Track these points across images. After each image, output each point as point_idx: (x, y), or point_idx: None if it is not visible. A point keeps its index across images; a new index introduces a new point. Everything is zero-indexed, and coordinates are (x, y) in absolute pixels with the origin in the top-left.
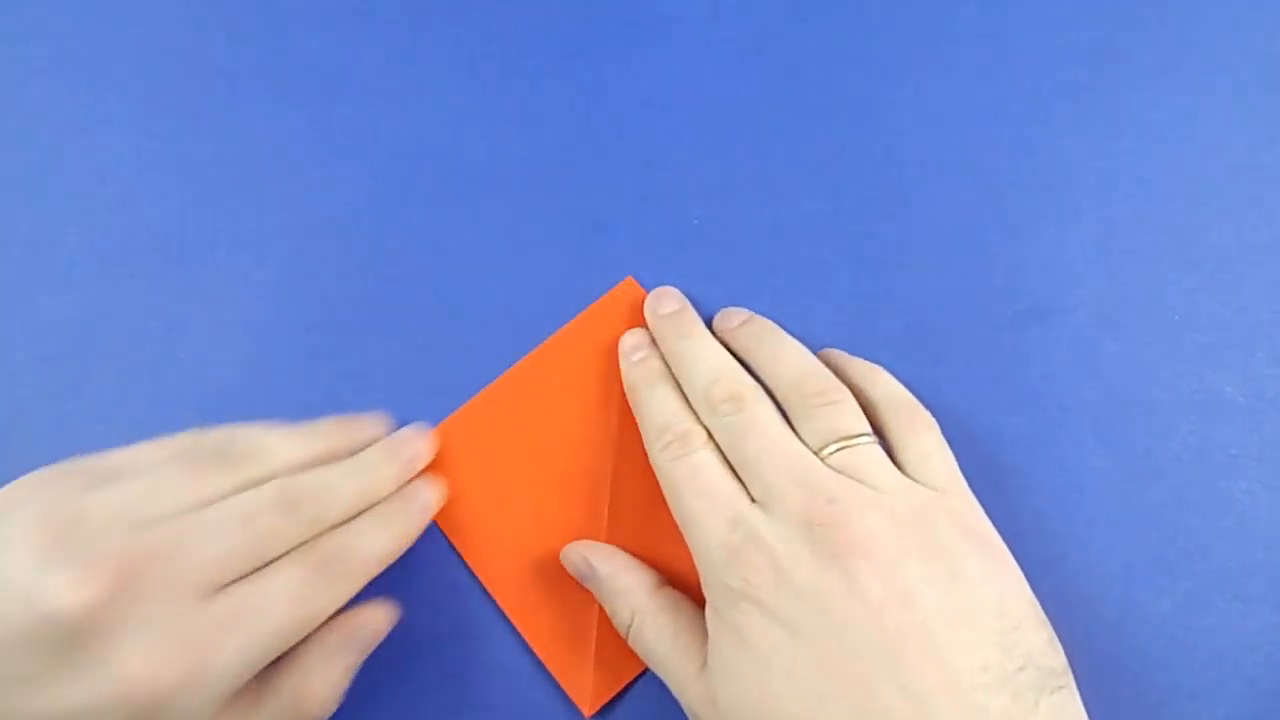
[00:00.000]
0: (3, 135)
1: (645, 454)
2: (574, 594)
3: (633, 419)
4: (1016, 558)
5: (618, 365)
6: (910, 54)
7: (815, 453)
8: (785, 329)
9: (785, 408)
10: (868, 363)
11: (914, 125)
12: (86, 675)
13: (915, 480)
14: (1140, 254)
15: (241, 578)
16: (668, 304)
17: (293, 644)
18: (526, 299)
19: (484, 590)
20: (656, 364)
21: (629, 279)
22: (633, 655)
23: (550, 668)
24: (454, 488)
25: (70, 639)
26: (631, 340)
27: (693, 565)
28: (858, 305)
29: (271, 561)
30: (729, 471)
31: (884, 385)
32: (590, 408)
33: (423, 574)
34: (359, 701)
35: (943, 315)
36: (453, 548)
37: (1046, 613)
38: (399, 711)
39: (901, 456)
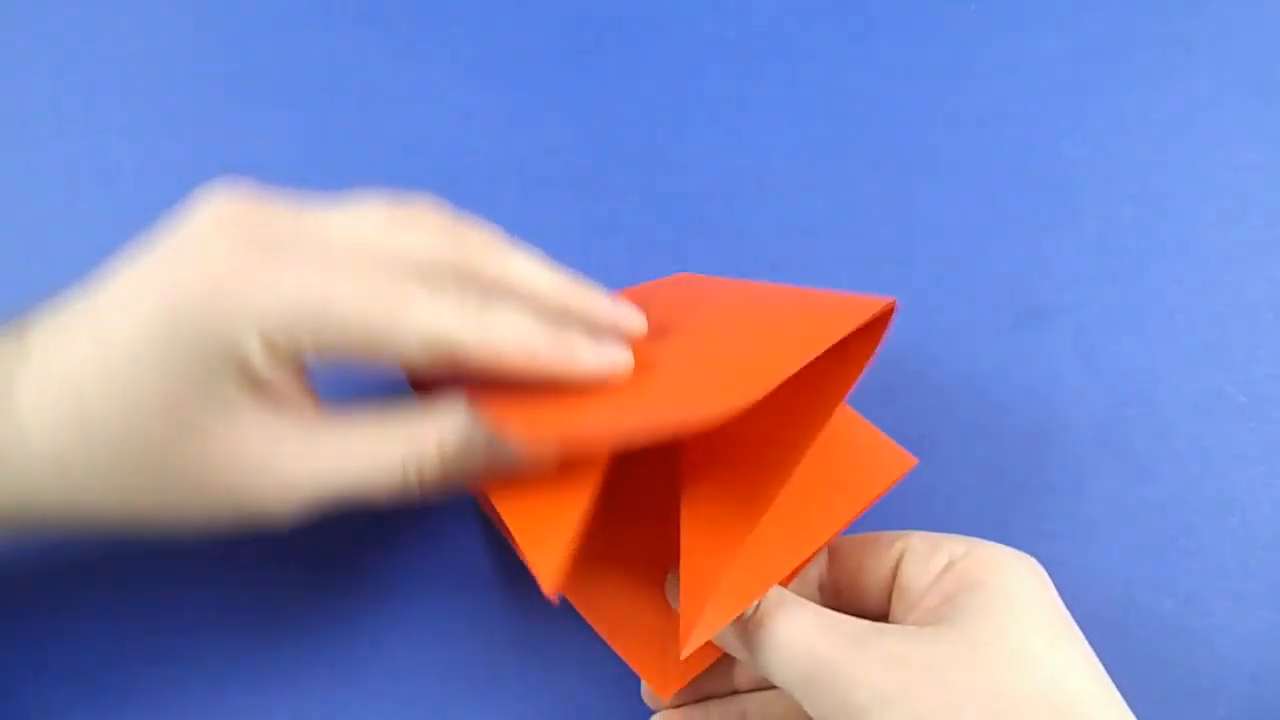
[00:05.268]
0: (3, 135)
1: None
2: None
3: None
4: None
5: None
6: (911, 54)
7: None
8: None
9: None
10: None
11: (914, 125)
12: None
13: None
14: (1140, 254)
15: None
16: None
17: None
18: None
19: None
20: None
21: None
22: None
23: (625, 655)
24: None
25: None
26: None
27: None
28: None
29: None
30: None
31: None
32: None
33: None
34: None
35: (943, 315)
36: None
37: None
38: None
39: None
